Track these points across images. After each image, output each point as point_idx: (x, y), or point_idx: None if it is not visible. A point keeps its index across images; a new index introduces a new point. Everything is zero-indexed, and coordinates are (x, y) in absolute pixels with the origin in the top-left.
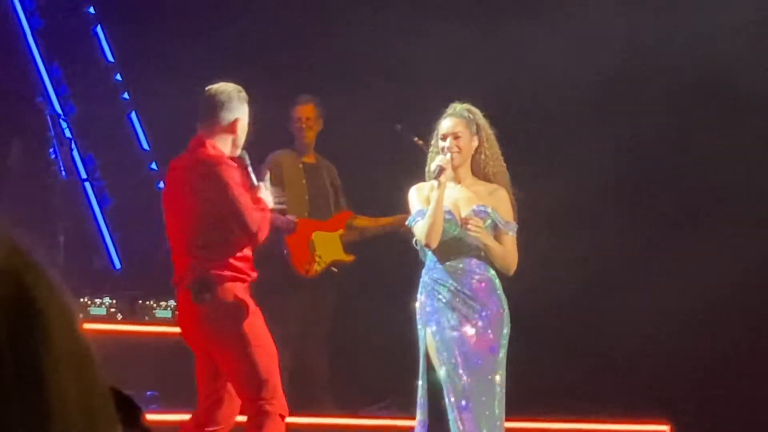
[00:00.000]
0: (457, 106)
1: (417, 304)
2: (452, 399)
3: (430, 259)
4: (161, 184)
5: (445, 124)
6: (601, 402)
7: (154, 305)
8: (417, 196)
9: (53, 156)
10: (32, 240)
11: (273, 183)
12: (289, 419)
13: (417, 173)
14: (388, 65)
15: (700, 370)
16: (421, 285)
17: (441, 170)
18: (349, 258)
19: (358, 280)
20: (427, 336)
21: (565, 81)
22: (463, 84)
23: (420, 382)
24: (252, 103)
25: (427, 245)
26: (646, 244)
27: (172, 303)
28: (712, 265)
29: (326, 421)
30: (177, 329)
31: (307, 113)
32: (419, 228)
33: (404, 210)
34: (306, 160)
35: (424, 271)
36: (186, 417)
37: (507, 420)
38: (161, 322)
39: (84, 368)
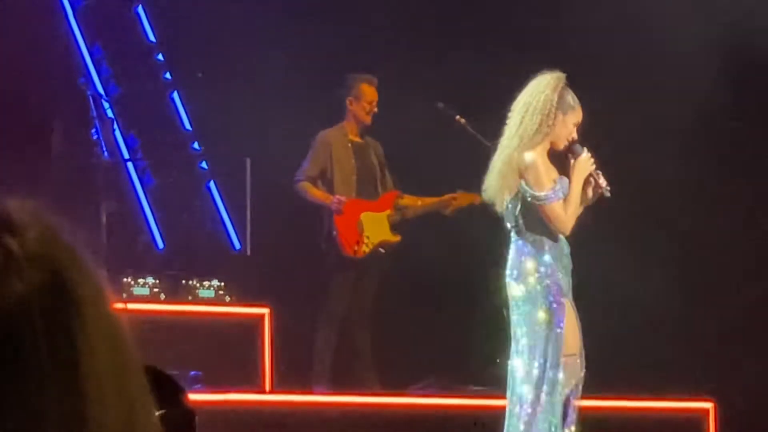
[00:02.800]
0: (570, 90)
1: (546, 282)
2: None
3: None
4: (204, 164)
5: (580, 113)
6: (645, 378)
7: (197, 285)
8: (545, 169)
9: (95, 136)
10: (75, 221)
11: (323, 162)
12: (334, 397)
13: (457, 151)
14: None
15: (746, 347)
16: (556, 258)
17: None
18: (396, 238)
19: (405, 259)
20: (570, 307)
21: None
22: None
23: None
24: (288, 79)
25: (566, 233)
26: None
27: (215, 282)
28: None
29: (371, 399)
30: (220, 308)
31: (374, 95)
32: (565, 216)
33: (447, 188)
34: (355, 139)
35: (548, 241)
36: (228, 396)
37: None
38: (204, 301)
39: (118, 351)
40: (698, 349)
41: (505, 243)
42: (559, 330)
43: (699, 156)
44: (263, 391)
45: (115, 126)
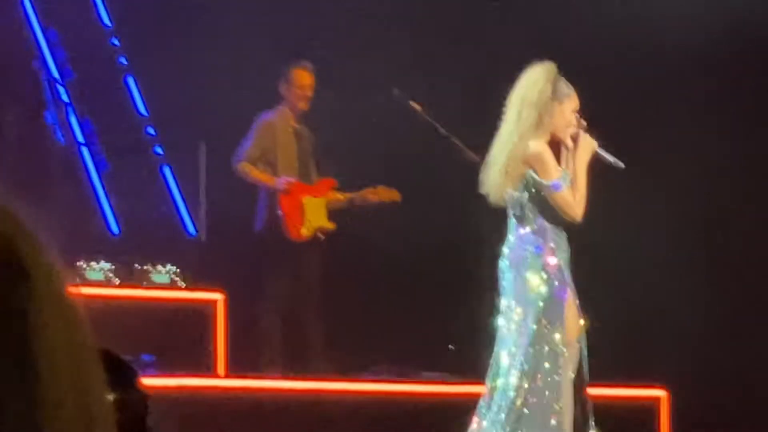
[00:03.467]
0: (563, 79)
1: (553, 264)
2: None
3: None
4: (158, 149)
5: (577, 100)
6: (597, 366)
7: (151, 269)
8: (551, 157)
9: (50, 121)
10: (29, 204)
11: (265, 145)
12: (287, 383)
13: (406, 139)
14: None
15: (697, 336)
16: (560, 247)
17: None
18: (331, 226)
19: (352, 246)
20: (571, 295)
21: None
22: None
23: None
24: (243, 64)
25: (578, 220)
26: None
27: (169, 267)
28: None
29: (323, 385)
30: (173, 293)
31: (308, 80)
32: (574, 201)
33: (384, 178)
34: (294, 124)
35: (553, 228)
36: (182, 381)
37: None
38: (158, 286)
39: (72, 330)
40: (651, 337)
41: (465, 230)
42: (557, 315)
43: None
44: (217, 376)
45: (70, 110)
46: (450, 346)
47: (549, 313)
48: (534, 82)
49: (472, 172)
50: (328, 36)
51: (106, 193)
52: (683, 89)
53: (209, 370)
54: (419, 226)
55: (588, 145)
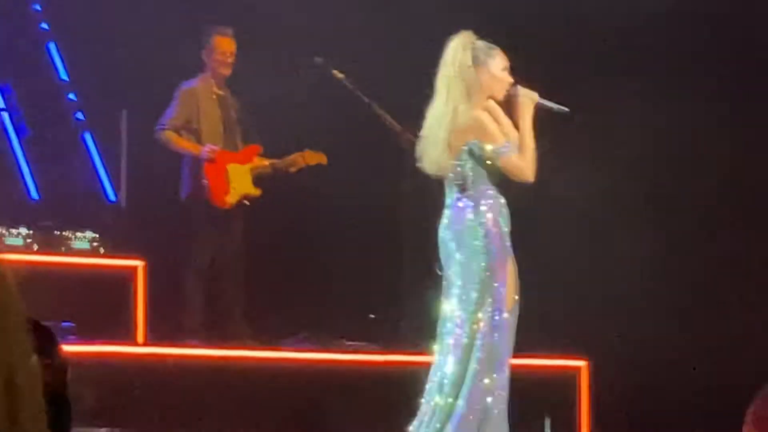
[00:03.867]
0: (476, 40)
1: (494, 232)
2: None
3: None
4: (80, 115)
5: (503, 57)
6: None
7: (71, 236)
8: (492, 123)
9: None
10: None
11: (188, 112)
12: (206, 351)
13: (331, 109)
14: None
15: (618, 307)
16: (501, 214)
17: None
18: (257, 192)
19: (275, 213)
20: (511, 263)
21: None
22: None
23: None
24: (165, 31)
25: (530, 179)
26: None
27: (89, 234)
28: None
29: (243, 353)
30: (94, 260)
31: (230, 47)
32: (524, 163)
33: (307, 146)
34: (219, 91)
35: (494, 195)
36: (101, 348)
37: (419, 354)
38: (78, 253)
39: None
40: (572, 308)
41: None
42: (496, 285)
43: None
44: (136, 344)
45: None
46: (371, 315)
47: (489, 281)
48: (452, 55)
49: (396, 140)
50: (251, 2)
51: (26, 159)
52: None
53: (129, 337)
54: (344, 192)
55: (527, 100)
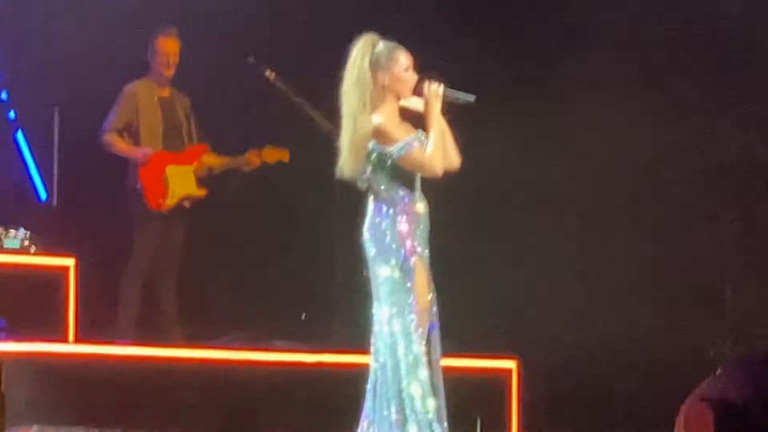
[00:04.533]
0: (380, 40)
1: (403, 233)
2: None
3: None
4: (11, 113)
5: (406, 57)
6: (450, 338)
7: (2, 234)
8: (394, 125)
9: None
10: None
11: (129, 115)
12: (138, 350)
13: (269, 107)
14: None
15: (548, 308)
16: (413, 219)
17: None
18: (202, 192)
19: (211, 213)
20: (420, 265)
21: None
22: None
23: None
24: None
25: (437, 173)
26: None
27: (21, 232)
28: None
29: (175, 353)
30: (25, 258)
31: (173, 47)
32: (428, 158)
33: (255, 144)
34: (162, 93)
35: (406, 200)
36: (32, 346)
37: (355, 353)
38: (9, 251)
39: None
40: (501, 307)
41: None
42: (408, 285)
43: None
44: (67, 342)
45: None
46: (303, 315)
47: (398, 283)
48: (352, 62)
49: (329, 141)
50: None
51: None
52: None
53: (60, 336)
54: (277, 192)
55: (433, 94)
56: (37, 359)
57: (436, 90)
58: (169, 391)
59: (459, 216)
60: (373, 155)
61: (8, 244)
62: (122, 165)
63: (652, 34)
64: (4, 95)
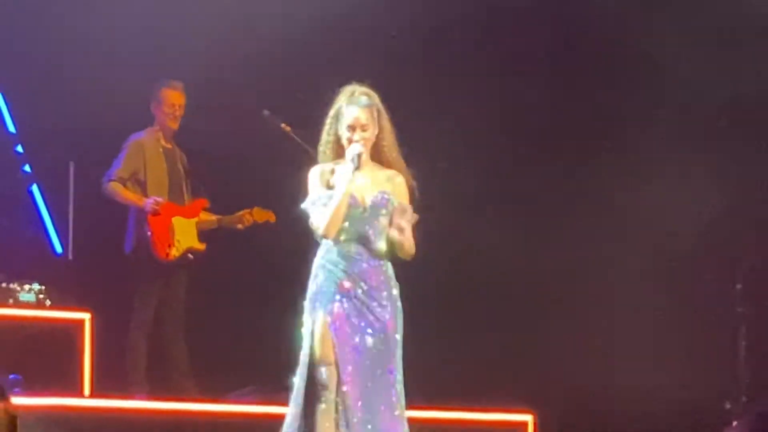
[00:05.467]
0: (356, 91)
1: (311, 288)
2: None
3: (325, 242)
4: (27, 167)
5: (351, 113)
6: (467, 391)
7: (18, 288)
8: (319, 179)
9: None
10: None
11: (135, 165)
12: (152, 404)
13: (280, 161)
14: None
15: (564, 362)
16: (316, 268)
17: (360, 157)
18: (202, 246)
19: (216, 268)
20: (318, 324)
21: None
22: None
23: (298, 373)
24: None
25: (325, 235)
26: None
27: (36, 286)
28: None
29: (189, 406)
30: (41, 313)
31: (178, 100)
32: (319, 215)
33: (255, 201)
34: (166, 144)
35: (320, 254)
36: (48, 400)
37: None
38: (24, 305)
39: None
40: (517, 361)
41: None
42: (304, 333)
43: None
44: (82, 396)
45: None
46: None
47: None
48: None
49: None
50: (200, 58)
51: None
52: None
53: (75, 390)
54: (287, 247)
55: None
56: (52, 413)
57: (352, 149)
58: None
59: (475, 267)
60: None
61: (23, 297)
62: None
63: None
64: (19, 149)
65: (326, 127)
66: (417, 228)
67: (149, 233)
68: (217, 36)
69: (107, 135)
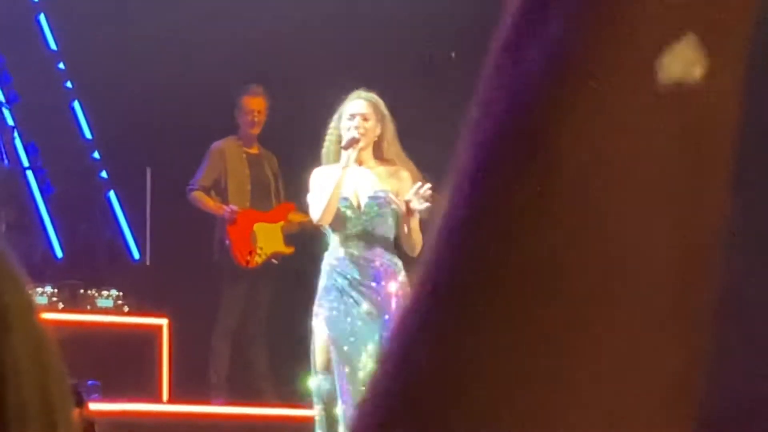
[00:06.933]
0: (362, 93)
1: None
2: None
3: (333, 244)
4: (104, 173)
5: (354, 105)
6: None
7: (96, 294)
8: (320, 179)
9: None
10: None
11: (217, 172)
12: (231, 409)
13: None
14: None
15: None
16: (324, 272)
17: (353, 141)
18: (290, 250)
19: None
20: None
21: None
22: None
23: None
24: (197, 87)
25: (319, 222)
26: None
27: (113, 292)
28: None
29: (268, 411)
30: (118, 318)
31: (258, 105)
32: (313, 205)
33: None
34: (250, 150)
35: (331, 252)
36: (126, 406)
37: None
38: (102, 311)
39: (41, 353)
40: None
41: None
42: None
43: None
44: (161, 401)
45: (16, 134)
46: None
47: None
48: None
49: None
50: (284, 60)
51: (51, 217)
52: None
53: (153, 396)
54: None
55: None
56: (130, 419)
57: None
58: None
59: None
60: None
61: (101, 304)
62: (214, 223)
63: None
64: (96, 155)
65: (330, 129)
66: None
67: (228, 242)
68: (300, 35)
69: (184, 140)
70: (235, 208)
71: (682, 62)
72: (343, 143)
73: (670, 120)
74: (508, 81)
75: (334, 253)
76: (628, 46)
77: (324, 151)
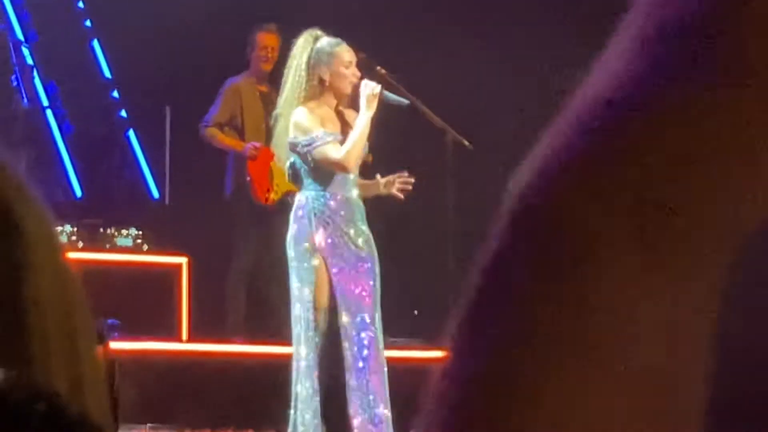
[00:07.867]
0: (322, 35)
1: (301, 224)
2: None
3: (317, 187)
4: (123, 113)
5: (345, 53)
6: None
7: (115, 233)
8: (311, 117)
9: (15, 83)
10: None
11: (232, 109)
12: (249, 347)
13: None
14: None
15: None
16: (315, 214)
17: (356, 89)
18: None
19: None
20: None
21: None
22: None
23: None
24: (209, 28)
25: (347, 169)
26: None
27: (133, 231)
28: None
29: (286, 350)
30: (137, 257)
31: (272, 42)
32: (337, 153)
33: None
34: (262, 88)
35: (312, 194)
36: (145, 345)
37: None
38: (122, 250)
39: (65, 288)
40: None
41: None
42: (296, 286)
43: None
44: (180, 340)
45: (35, 73)
46: (415, 312)
47: (298, 274)
48: (291, 56)
49: (439, 138)
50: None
51: (70, 156)
52: None
53: (173, 334)
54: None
55: (366, 92)
56: (150, 357)
57: (372, 88)
58: (281, 388)
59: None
60: (292, 146)
61: (121, 242)
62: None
63: None
64: (115, 94)
65: (303, 71)
66: None
67: (249, 178)
68: None
69: (203, 79)
70: (257, 144)
71: None
72: (367, 93)
73: None
74: None
75: (346, 193)
76: None
77: (297, 93)
